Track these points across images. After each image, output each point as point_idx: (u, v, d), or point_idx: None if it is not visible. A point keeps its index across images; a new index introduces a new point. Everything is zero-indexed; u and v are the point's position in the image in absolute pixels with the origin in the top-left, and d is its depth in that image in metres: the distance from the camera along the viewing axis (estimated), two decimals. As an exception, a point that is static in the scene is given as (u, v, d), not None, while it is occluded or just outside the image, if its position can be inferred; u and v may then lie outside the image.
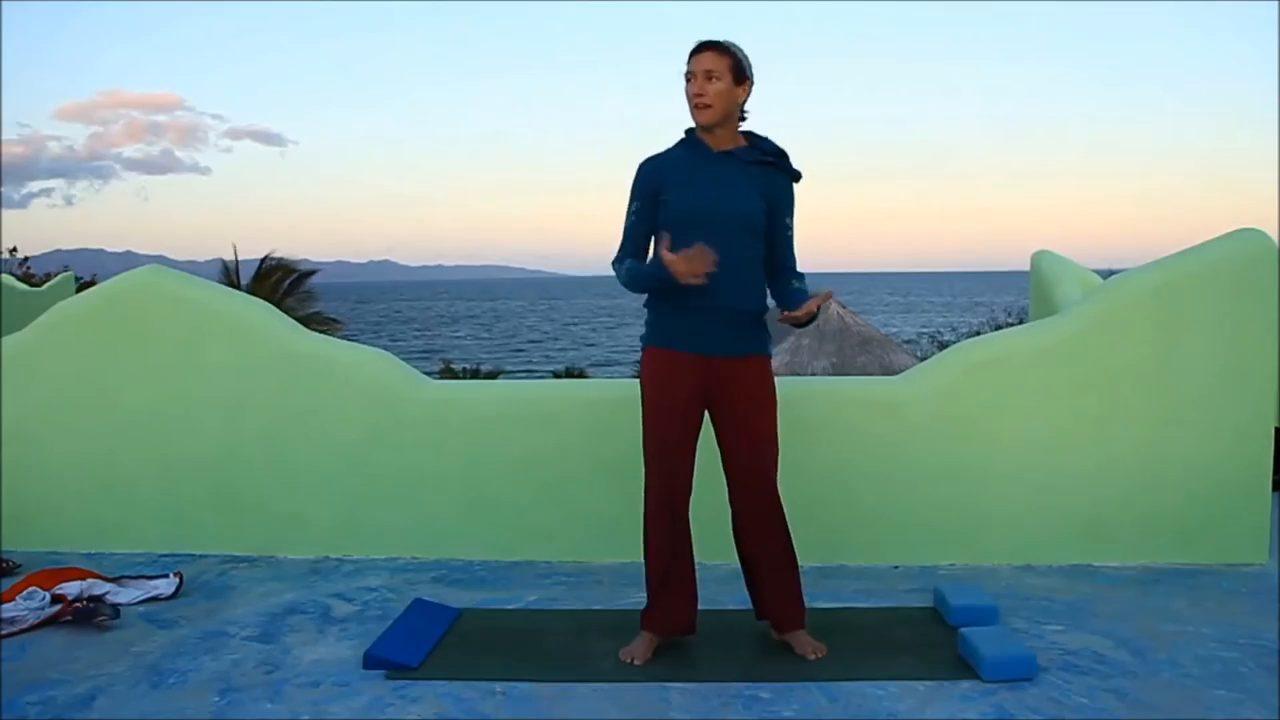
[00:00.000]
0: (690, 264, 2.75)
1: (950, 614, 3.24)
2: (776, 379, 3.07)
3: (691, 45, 2.93)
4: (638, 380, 3.08)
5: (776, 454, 3.02)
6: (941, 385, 3.95)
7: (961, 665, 2.89)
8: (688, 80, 2.90)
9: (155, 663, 3.04)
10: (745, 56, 2.93)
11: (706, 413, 3.03)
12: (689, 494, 3.00)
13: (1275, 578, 3.69)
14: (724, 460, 3.03)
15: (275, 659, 3.06)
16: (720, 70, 2.87)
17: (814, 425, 3.83)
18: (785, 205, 3.00)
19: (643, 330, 3.06)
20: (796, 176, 3.02)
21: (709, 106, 2.87)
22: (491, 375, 19.82)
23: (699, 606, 3.08)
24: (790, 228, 3.03)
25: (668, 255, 2.79)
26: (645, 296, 3.02)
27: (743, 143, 2.98)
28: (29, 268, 16.71)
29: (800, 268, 3.09)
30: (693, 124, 2.97)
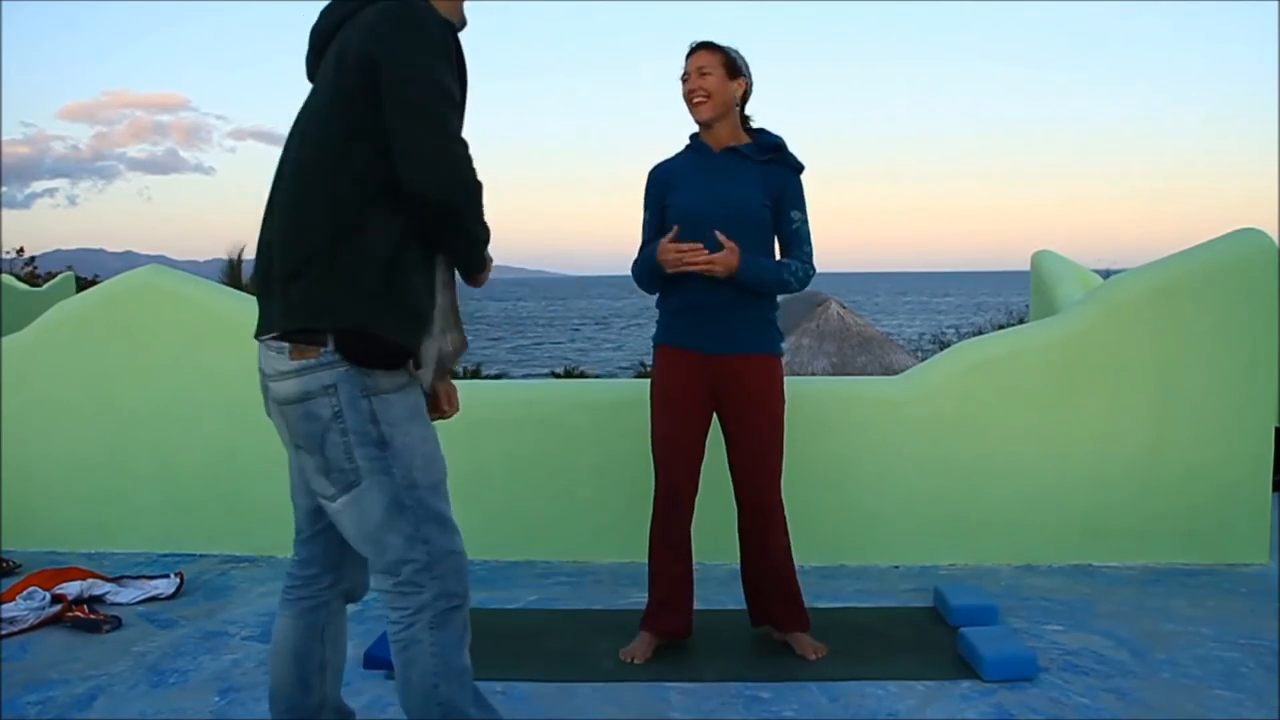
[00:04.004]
0: (679, 254, 2.80)
1: (950, 614, 3.24)
2: None
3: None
4: (638, 381, 3.08)
5: (781, 455, 3.00)
6: (941, 385, 3.95)
7: (961, 665, 2.89)
8: (683, 81, 2.94)
9: (155, 663, 3.04)
10: (738, 55, 2.96)
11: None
12: (694, 494, 3.00)
13: (1275, 578, 3.69)
14: (729, 460, 3.03)
15: (275, 659, 3.06)
16: (711, 66, 2.91)
17: (814, 425, 3.83)
18: (790, 198, 2.96)
19: (654, 329, 3.07)
20: (799, 168, 3.02)
21: (703, 101, 2.91)
22: (493, 376, 19.82)
23: (698, 606, 3.08)
24: (797, 220, 2.97)
25: (664, 243, 2.84)
26: (657, 296, 3.03)
27: (745, 140, 2.99)
28: (34, 267, 16.59)
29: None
30: (696, 128, 3.00)
